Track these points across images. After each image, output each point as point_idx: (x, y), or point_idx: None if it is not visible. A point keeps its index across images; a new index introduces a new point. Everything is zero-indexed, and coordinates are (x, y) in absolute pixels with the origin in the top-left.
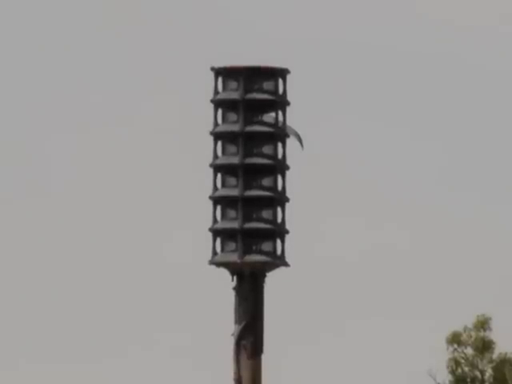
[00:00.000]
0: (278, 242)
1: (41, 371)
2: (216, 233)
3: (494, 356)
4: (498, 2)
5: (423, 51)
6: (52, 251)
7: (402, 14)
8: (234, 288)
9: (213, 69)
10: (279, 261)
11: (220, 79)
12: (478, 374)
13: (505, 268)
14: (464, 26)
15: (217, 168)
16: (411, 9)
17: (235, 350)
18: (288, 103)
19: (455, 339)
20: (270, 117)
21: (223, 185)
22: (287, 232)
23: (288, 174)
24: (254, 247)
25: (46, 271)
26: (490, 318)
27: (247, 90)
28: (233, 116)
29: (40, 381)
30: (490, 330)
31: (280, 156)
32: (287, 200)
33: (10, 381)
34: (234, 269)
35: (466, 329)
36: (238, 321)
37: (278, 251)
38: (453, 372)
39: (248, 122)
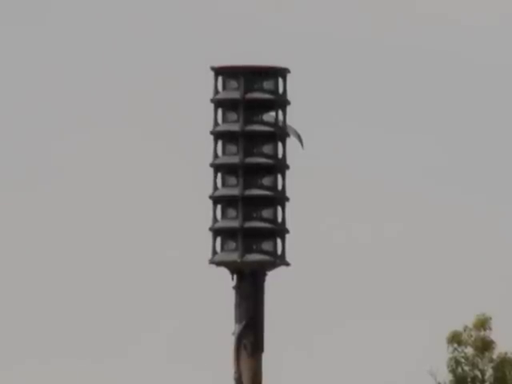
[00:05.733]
0: (279, 241)
1: (37, 370)
2: (216, 232)
3: (495, 356)
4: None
5: (426, 50)
6: (52, 250)
7: (404, 12)
8: (234, 287)
9: (213, 68)
10: (280, 260)
11: (220, 79)
12: (478, 373)
13: (505, 268)
14: (468, 25)
15: (217, 167)
16: (414, 8)
17: (235, 349)
18: (288, 102)
19: (455, 339)
20: (270, 116)
21: (223, 184)
22: (287, 231)
23: (288, 173)
24: (254, 246)
25: (46, 270)
26: (491, 318)
27: (247, 90)
28: (233, 115)
29: (37, 379)
30: (491, 329)
31: (280, 155)
32: (287, 199)
33: (6, 380)
34: (234, 268)
35: (466, 328)
36: (238, 320)
37: (279, 250)
38: (453, 371)
39: (248, 121)
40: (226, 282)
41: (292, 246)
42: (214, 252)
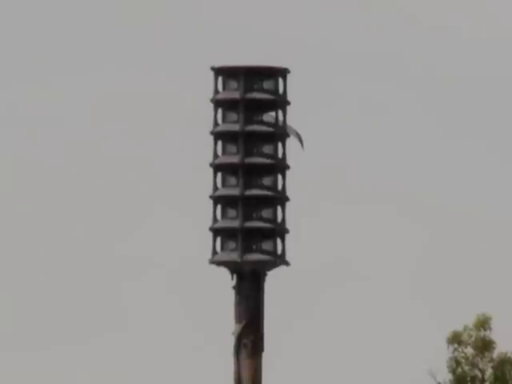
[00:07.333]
0: (279, 241)
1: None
2: (216, 232)
3: (494, 355)
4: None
5: (420, 55)
6: (56, 251)
7: (398, 17)
8: (234, 287)
9: (213, 68)
10: (279, 260)
11: (220, 79)
12: (478, 373)
13: (505, 268)
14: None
15: (217, 167)
16: (409, 15)
17: (236, 348)
18: (288, 103)
19: (455, 339)
20: (270, 116)
21: (223, 184)
22: (287, 231)
23: (288, 173)
24: (254, 246)
25: (48, 270)
26: (490, 318)
27: (247, 90)
28: (233, 115)
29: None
30: (490, 329)
31: (280, 155)
32: (287, 199)
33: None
34: (234, 268)
35: (466, 328)
36: (238, 320)
37: (279, 250)
38: (453, 371)
39: (248, 121)
40: (226, 281)
41: (292, 245)
42: (214, 252)
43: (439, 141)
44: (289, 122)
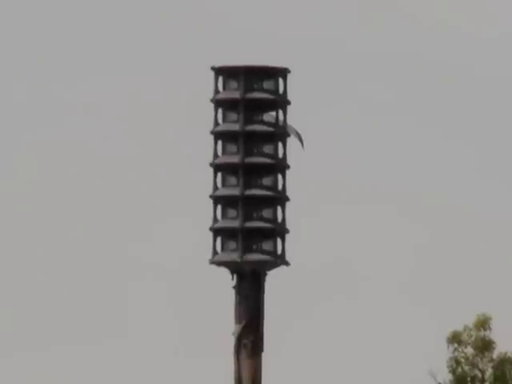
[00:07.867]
0: (279, 241)
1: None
2: (216, 232)
3: (494, 355)
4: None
5: (421, 54)
6: (56, 251)
7: (398, 17)
8: (234, 287)
9: (213, 68)
10: (280, 260)
11: (220, 78)
12: (478, 373)
13: (505, 268)
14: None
15: (217, 167)
16: (409, 15)
17: (235, 349)
18: (288, 102)
19: (455, 339)
20: (270, 116)
21: (223, 184)
22: (288, 231)
23: (288, 173)
24: (254, 246)
25: (48, 270)
26: (490, 318)
27: (247, 90)
28: (233, 115)
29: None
30: (490, 329)
31: (280, 155)
32: (287, 199)
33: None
34: (234, 268)
35: (466, 328)
36: (238, 320)
37: (279, 250)
38: (453, 371)
39: (248, 121)
40: (226, 281)
41: (292, 245)
42: (215, 252)
43: (439, 141)
44: (289, 121)
